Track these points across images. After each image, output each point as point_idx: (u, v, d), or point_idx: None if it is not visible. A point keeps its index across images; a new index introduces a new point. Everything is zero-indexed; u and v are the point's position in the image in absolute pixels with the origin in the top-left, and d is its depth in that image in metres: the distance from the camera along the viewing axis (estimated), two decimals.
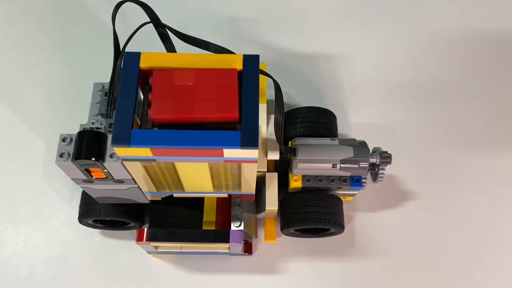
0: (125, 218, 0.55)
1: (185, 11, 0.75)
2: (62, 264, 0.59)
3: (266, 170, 0.54)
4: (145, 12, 0.49)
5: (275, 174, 0.55)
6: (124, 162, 0.41)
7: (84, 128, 0.47)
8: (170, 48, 0.50)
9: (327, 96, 0.69)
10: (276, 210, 0.55)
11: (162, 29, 0.49)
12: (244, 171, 0.43)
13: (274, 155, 0.55)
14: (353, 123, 0.67)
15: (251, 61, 0.41)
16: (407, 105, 0.69)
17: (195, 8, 0.75)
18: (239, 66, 0.40)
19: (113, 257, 0.60)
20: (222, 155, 0.39)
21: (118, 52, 0.49)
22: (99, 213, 0.54)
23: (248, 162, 0.41)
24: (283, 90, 0.68)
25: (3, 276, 0.58)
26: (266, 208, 0.54)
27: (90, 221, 0.57)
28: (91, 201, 0.54)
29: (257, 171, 0.54)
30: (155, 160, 0.40)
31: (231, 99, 0.39)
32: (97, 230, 0.60)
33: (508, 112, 0.70)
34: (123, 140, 0.37)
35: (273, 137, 0.54)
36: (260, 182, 0.56)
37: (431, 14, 0.77)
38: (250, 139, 0.38)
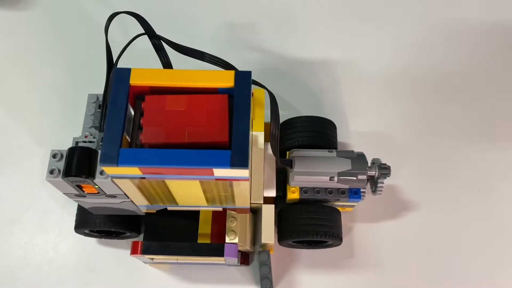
0: (121, 228, 0.55)
1: (184, 17, 0.74)
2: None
3: (262, 202, 0.53)
4: (140, 23, 0.48)
5: (272, 207, 0.54)
6: (114, 180, 0.41)
7: (77, 141, 0.47)
8: (165, 59, 0.49)
9: (326, 103, 0.68)
10: (273, 244, 0.54)
11: (156, 41, 0.49)
12: (235, 189, 0.43)
13: (271, 192, 0.54)
14: (352, 130, 0.66)
15: (243, 77, 0.40)
16: (408, 113, 0.68)
17: (193, 15, 0.75)
18: (230, 82, 0.39)
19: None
20: (213, 174, 0.39)
21: (112, 64, 0.48)
22: (95, 224, 0.54)
23: (239, 181, 0.40)
24: (281, 97, 0.68)
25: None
26: (262, 242, 0.53)
27: (86, 231, 0.56)
28: (87, 212, 0.54)
29: (254, 203, 0.53)
30: (145, 177, 0.40)
31: (221, 125, 0.38)
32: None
33: None
34: (110, 159, 0.37)
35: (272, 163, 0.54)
36: (257, 213, 0.55)
37: (431, 19, 0.75)
38: (240, 159, 0.37)
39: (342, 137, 0.65)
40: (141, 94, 0.41)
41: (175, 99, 0.39)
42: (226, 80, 0.40)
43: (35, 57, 0.72)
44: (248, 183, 0.41)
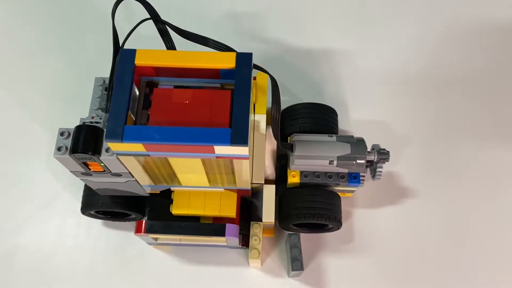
0: (127, 209, 0.56)
1: (188, 6, 0.76)
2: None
3: (263, 182, 0.55)
4: (145, 8, 0.49)
5: (273, 187, 0.56)
6: (119, 157, 0.42)
7: (83, 122, 0.48)
8: (169, 44, 0.51)
9: (328, 92, 0.69)
10: (273, 223, 0.55)
11: (161, 26, 0.50)
12: (236, 167, 0.44)
13: (271, 175, 0.56)
14: (354, 119, 0.67)
15: (244, 59, 0.41)
16: (409, 102, 0.69)
17: (198, 4, 0.76)
18: (231, 64, 0.41)
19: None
20: (214, 152, 0.40)
21: (118, 48, 0.50)
22: (101, 205, 0.55)
23: (240, 159, 0.42)
24: (284, 85, 0.69)
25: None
26: (263, 220, 0.55)
27: (92, 212, 0.58)
28: (93, 193, 0.55)
29: (255, 183, 0.54)
30: (148, 155, 0.41)
31: (223, 117, 0.41)
32: None
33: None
34: (116, 135, 0.38)
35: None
36: (258, 192, 0.56)
37: (435, 8, 0.76)
38: (240, 136, 0.38)
39: (343, 125, 0.67)
40: (145, 75, 0.43)
41: (181, 93, 0.42)
42: (227, 61, 0.41)
43: (41, 43, 0.73)
44: (249, 161, 0.43)
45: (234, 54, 0.41)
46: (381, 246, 0.61)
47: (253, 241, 0.54)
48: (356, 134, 0.58)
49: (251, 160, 0.53)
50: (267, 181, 0.56)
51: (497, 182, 0.64)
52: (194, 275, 0.60)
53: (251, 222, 0.55)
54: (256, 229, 0.55)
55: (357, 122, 0.67)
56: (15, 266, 0.60)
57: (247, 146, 0.39)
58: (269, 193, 0.55)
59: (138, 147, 0.39)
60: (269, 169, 0.58)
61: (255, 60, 0.42)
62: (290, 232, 0.56)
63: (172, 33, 0.50)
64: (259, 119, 0.57)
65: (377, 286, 0.59)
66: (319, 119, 0.60)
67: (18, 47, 0.73)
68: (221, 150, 0.40)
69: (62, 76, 0.71)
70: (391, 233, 0.62)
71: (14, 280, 0.60)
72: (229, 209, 0.51)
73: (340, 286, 0.59)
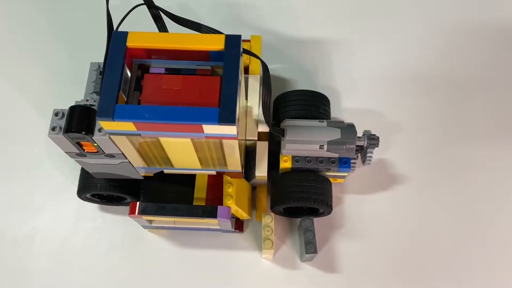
0: (122, 193, 0.58)
1: None
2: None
3: (257, 139, 0.56)
4: None
5: (266, 143, 0.57)
6: (111, 136, 0.43)
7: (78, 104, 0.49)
8: (163, 29, 0.52)
9: (321, 81, 0.70)
10: (266, 177, 0.57)
11: (155, 11, 0.51)
12: (226, 148, 0.45)
13: (265, 128, 0.57)
14: (346, 107, 0.68)
15: (233, 41, 0.42)
16: (401, 90, 0.70)
17: None
18: (220, 45, 0.42)
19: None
20: (202, 131, 0.41)
21: (112, 33, 0.51)
22: (97, 188, 0.57)
23: (228, 139, 0.43)
24: (279, 74, 0.70)
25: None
26: (256, 175, 0.56)
27: (88, 196, 0.59)
28: (90, 176, 0.56)
29: (249, 139, 0.56)
30: (139, 134, 0.42)
31: (212, 101, 0.41)
32: None
33: (496, 97, 0.70)
34: (107, 114, 0.39)
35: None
36: (251, 152, 0.57)
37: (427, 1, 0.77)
38: (228, 116, 0.39)
39: (336, 113, 0.68)
40: (137, 57, 0.44)
41: (172, 79, 0.43)
42: (216, 43, 0.42)
43: (36, 28, 0.74)
44: (237, 142, 0.44)
45: (223, 36, 0.42)
46: (372, 231, 0.62)
47: (265, 232, 0.55)
48: (348, 120, 0.59)
49: (243, 144, 0.54)
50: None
51: (486, 168, 0.65)
52: (186, 258, 0.61)
53: (303, 218, 0.56)
54: (267, 220, 0.56)
55: (349, 110, 0.68)
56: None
57: (235, 124, 0.40)
58: (262, 149, 0.56)
59: (129, 125, 0.40)
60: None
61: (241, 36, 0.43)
62: (304, 217, 0.57)
63: (166, 19, 0.51)
64: (252, 106, 0.58)
65: (380, 264, 0.61)
66: (312, 106, 0.61)
67: (15, 32, 0.74)
68: (210, 129, 0.41)
69: (60, 61, 0.72)
70: (383, 218, 0.62)
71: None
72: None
73: (351, 271, 0.60)
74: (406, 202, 0.63)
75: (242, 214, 0.57)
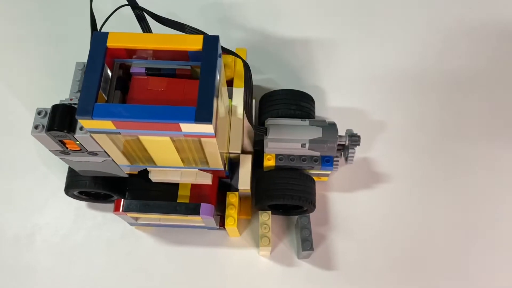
0: (109, 190, 0.59)
1: None
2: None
3: (240, 152, 0.57)
4: None
5: (249, 156, 0.58)
6: (92, 135, 0.44)
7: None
8: (146, 29, 0.53)
9: (306, 80, 0.71)
10: (249, 190, 0.58)
11: (139, 12, 0.52)
12: (205, 147, 0.46)
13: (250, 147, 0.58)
14: (331, 106, 0.69)
15: (211, 41, 0.43)
16: (386, 90, 0.71)
17: None
18: (199, 46, 0.43)
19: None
20: (180, 130, 0.42)
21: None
22: (84, 185, 0.58)
23: (206, 137, 0.44)
24: (265, 74, 0.71)
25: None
26: (239, 188, 0.57)
27: (75, 193, 0.60)
28: (76, 174, 0.57)
29: (232, 153, 0.56)
30: (119, 133, 0.43)
31: (193, 101, 0.42)
32: None
33: (480, 90, 0.71)
34: (86, 112, 0.40)
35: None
36: (235, 164, 0.58)
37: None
38: (204, 114, 0.40)
39: (321, 112, 0.68)
40: (118, 57, 0.45)
41: (157, 81, 0.45)
42: (195, 43, 0.43)
43: (22, 28, 0.75)
44: (215, 140, 0.45)
45: (201, 36, 0.43)
46: (355, 229, 0.63)
47: (262, 229, 0.56)
48: (332, 119, 0.60)
49: (225, 141, 0.55)
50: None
51: (471, 164, 0.66)
52: (172, 255, 0.62)
53: (299, 216, 0.57)
54: (265, 218, 0.57)
55: (334, 110, 0.69)
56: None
57: (211, 123, 0.40)
58: (245, 162, 0.57)
59: (108, 124, 0.41)
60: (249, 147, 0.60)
61: (235, 47, 0.44)
62: (301, 215, 0.57)
63: (150, 20, 0.52)
64: (236, 105, 0.59)
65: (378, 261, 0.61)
66: (297, 105, 0.62)
67: (2, 31, 0.75)
68: (187, 128, 0.42)
69: (46, 61, 0.73)
70: (365, 216, 0.63)
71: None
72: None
73: (347, 268, 0.61)
74: (396, 199, 0.64)
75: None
